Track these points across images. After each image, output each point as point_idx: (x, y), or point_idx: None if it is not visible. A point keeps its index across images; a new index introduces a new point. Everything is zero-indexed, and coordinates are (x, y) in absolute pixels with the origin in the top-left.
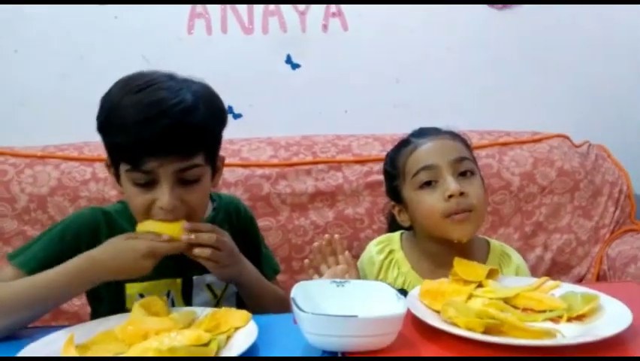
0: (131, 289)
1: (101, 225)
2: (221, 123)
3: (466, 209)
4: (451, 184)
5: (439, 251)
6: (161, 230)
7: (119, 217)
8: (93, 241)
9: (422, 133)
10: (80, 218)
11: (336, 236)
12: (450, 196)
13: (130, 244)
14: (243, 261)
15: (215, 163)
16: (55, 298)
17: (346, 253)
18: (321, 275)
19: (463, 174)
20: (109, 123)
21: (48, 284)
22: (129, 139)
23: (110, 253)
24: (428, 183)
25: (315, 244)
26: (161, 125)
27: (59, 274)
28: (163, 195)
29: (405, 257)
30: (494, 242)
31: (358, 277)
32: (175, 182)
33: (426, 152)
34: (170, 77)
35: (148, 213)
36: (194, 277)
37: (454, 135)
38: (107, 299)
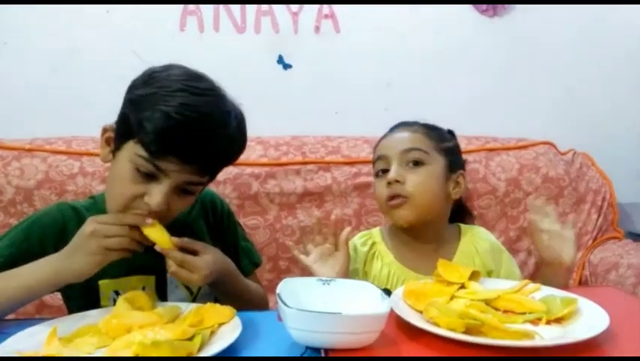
0: (105, 286)
1: (69, 221)
2: (242, 151)
3: (399, 194)
4: (391, 172)
5: (410, 239)
6: (149, 234)
7: (89, 213)
8: (60, 238)
9: (395, 126)
10: (46, 215)
11: (333, 217)
12: (389, 183)
13: (83, 244)
14: (222, 268)
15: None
16: (14, 299)
17: (343, 232)
18: (307, 254)
19: (414, 164)
20: (154, 103)
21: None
22: (164, 135)
23: (65, 254)
24: (384, 172)
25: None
26: (202, 140)
27: (23, 275)
28: (157, 195)
29: (387, 249)
30: (465, 226)
31: (347, 262)
32: (174, 187)
33: (384, 144)
34: (221, 96)
35: (127, 205)
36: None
37: (421, 127)
38: (81, 297)
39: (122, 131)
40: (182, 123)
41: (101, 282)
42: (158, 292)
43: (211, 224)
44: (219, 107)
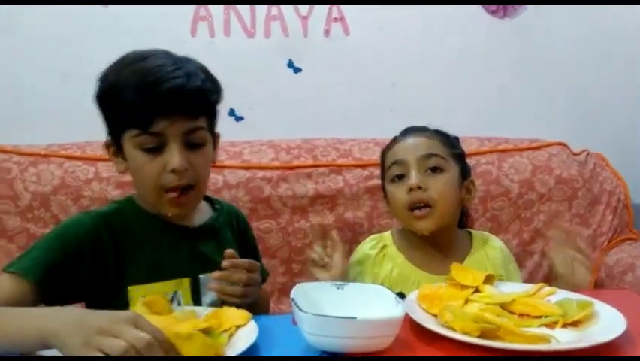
0: (135, 292)
1: (101, 228)
2: (219, 92)
3: (423, 201)
4: (412, 178)
5: (422, 243)
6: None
7: (116, 217)
8: (95, 246)
9: (407, 131)
10: (77, 224)
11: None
12: (411, 190)
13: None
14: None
15: (214, 134)
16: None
17: (333, 232)
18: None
19: (432, 170)
20: (113, 92)
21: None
22: (138, 99)
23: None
24: (400, 177)
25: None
26: (168, 86)
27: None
28: (173, 156)
29: (398, 250)
30: (475, 232)
31: (342, 262)
32: (182, 144)
33: (399, 148)
34: (167, 53)
35: (158, 184)
36: (201, 276)
37: (435, 133)
38: (108, 304)
39: (114, 134)
40: (145, 84)
41: (131, 288)
42: (193, 294)
43: (235, 232)
44: (165, 58)
